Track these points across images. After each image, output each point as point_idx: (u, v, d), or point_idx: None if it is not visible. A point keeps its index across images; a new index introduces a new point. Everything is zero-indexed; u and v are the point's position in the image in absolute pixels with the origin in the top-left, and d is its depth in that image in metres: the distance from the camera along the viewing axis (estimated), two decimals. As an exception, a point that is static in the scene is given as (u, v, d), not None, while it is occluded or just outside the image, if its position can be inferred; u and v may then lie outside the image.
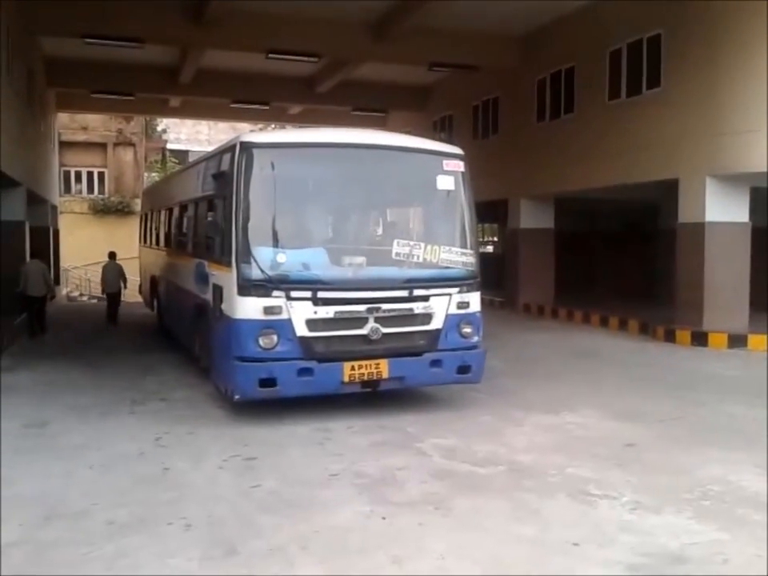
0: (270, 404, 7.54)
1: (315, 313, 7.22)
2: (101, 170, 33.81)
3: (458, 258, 7.93)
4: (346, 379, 7.36)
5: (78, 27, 15.42)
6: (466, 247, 8.03)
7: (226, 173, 7.60)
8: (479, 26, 16.90)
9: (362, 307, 7.38)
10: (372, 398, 7.95)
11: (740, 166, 12.53)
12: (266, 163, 7.32)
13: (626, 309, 16.44)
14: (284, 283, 7.11)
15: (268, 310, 7.08)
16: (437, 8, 14.94)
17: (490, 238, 27.01)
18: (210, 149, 12.05)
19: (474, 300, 8.01)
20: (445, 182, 8.09)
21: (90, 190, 33.62)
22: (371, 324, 7.41)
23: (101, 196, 33.17)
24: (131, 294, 17.68)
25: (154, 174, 35.87)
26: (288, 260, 7.22)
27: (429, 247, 7.75)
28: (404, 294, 7.61)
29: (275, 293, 7.09)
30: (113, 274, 16.04)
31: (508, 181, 19.00)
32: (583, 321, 16.53)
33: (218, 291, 7.81)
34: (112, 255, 16.39)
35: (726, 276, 13.08)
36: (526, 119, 18.68)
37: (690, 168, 13.31)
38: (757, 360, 11.51)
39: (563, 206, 18.95)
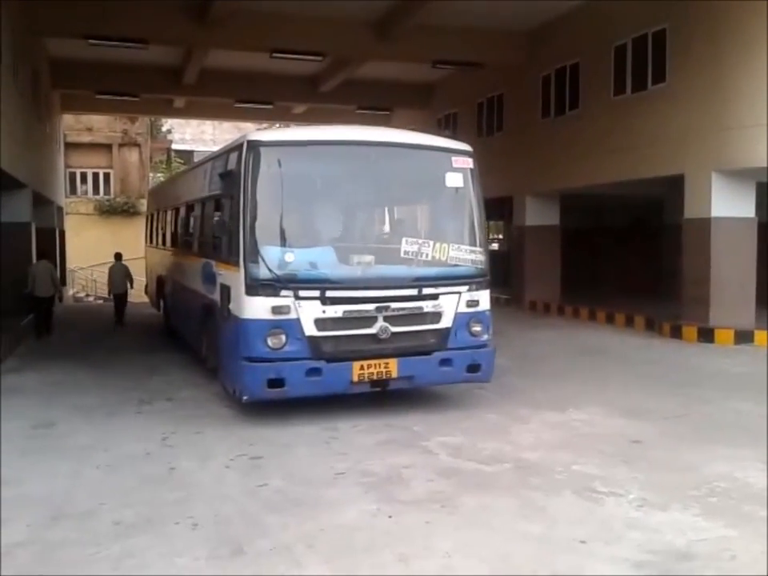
0: (277, 403, 7.53)
1: (324, 312, 7.17)
2: (106, 170, 33.89)
3: (468, 255, 7.86)
4: (355, 379, 7.31)
5: (81, 28, 15.46)
6: (475, 245, 7.96)
7: (233, 172, 7.57)
8: (483, 22, 16.88)
9: (371, 306, 7.33)
10: (378, 396, 7.93)
11: (746, 160, 12.48)
12: (274, 162, 7.27)
13: (631, 305, 16.41)
14: (292, 282, 7.07)
15: (276, 310, 7.04)
16: (440, 5, 14.92)
17: (496, 236, 26.97)
18: (214, 149, 12.06)
19: (484, 298, 7.96)
20: (454, 179, 8.01)
21: (96, 190, 33.70)
22: (380, 323, 7.36)
23: (106, 197, 33.24)
24: (137, 295, 17.73)
25: (159, 175, 35.92)
26: (296, 259, 7.18)
27: (438, 245, 7.68)
28: (413, 292, 7.56)
29: (283, 292, 7.04)
30: (119, 274, 16.10)
31: (513, 178, 18.97)
32: (589, 318, 16.51)
33: (226, 291, 7.77)
34: (118, 256, 16.46)
35: (732, 272, 13.04)
36: (530, 116, 18.64)
37: (696, 163, 13.26)
38: (763, 356, 11.45)
39: (568, 203, 18.92)
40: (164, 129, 40.09)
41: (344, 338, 7.33)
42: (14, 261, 14.47)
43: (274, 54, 17.09)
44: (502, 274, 18.75)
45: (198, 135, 42.13)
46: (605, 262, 22.16)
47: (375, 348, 7.38)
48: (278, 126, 32.06)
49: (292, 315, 7.07)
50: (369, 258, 7.61)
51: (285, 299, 7.05)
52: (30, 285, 13.54)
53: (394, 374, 7.46)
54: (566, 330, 15.04)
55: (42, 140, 19.37)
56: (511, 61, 18.68)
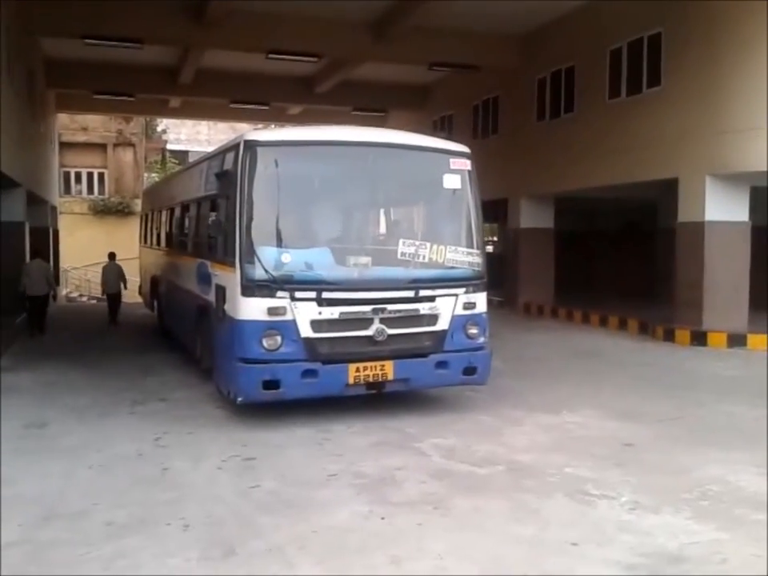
0: (270, 405, 7.51)
1: (320, 314, 7.15)
2: (101, 170, 33.83)
3: (465, 257, 7.84)
4: (351, 381, 7.28)
5: (77, 28, 15.44)
6: (472, 247, 7.93)
7: (230, 172, 7.53)
8: (479, 25, 16.90)
9: (368, 308, 7.31)
10: (372, 398, 7.92)
11: (740, 165, 12.53)
12: (270, 162, 7.22)
13: (625, 308, 16.44)
14: (288, 284, 7.03)
15: (272, 311, 7.00)
16: (436, 8, 14.94)
17: (490, 238, 27.01)
18: (209, 149, 12.03)
19: (481, 300, 7.93)
20: (451, 181, 7.98)
21: (90, 190, 33.64)
22: (376, 325, 7.33)
23: (101, 196, 33.19)
24: (131, 295, 17.69)
25: (153, 175, 35.88)
26: (292, 260, 7.13)
27: (435, 247, 7.65)
28: (410, 294, 7.53)
29: (279, 293, 7.01)
30: (113, 274, 16.06)
31: (508, 180, 19.00)
32: (583, 320, 16.54)
33: (221, 292, 7.74)
34: (112, 256, 16.41)
35: (725, 275, 13.07)
36: (526, 118, 18.68)
37: (690, 167, 13.30)
38: (756, 359, 11.51)
39: (563, 206, 18.96)
40: (159, 129, 40.00)
41: (340, 339, 7.29)
42: (8, 260, 14.42)
43: (270, 55, 17.08)
44: (496, 276, 18.78)
45: (194, 135, 42.06)
46: (599, 264, 22.21)
47: (371, 350, 7.36)
48: (273, 126, 32.07)
49: (288, 316, 7.05)
50: (365, 259, 7.58)
51: (281, 300, 7.02)
52: (24, 283, 13.50)
53: (390, 377, 7.43)
54: (559, 332, 15.06)
55: (37, 139, 19.32)
56: (507, 63, 18.72)
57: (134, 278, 17.28)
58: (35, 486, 5.60)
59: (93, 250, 26.50)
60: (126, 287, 16.35)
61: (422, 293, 7.57)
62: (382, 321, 7.35)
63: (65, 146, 31.01)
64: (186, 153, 39.14)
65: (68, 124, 31.63)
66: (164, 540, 4.60)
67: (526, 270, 18.86)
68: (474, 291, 7.86)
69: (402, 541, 4.59)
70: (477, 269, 7.92)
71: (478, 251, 7.96)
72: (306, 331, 7.11)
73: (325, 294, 7.15)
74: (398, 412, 7.90)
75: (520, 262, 18.96)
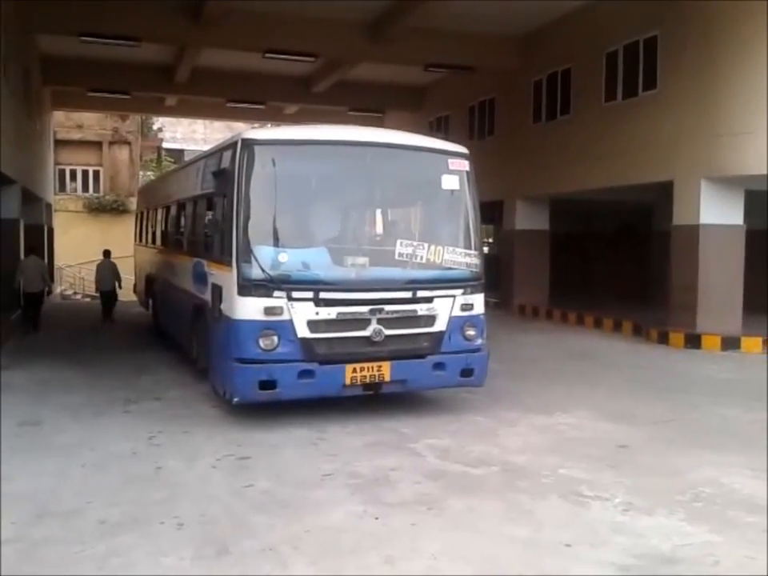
0: (265, 404, 7.49)
1: (317, 314, 7.11)
2: (96, 168, 33.74)
3: (462, 258, 7.80)
4: (348, 382, 7.25)
5: (74, 25, 15.41)
6: (470, 248, 7.90)
7: (227, 170, 7.48)
8: (476, 26, 16.92)
9: (365, 308, 7.27)
10: (367, 398, 7.90)
11: (735, 168, 12.57)
12: (268, 161, 7.18)
13: (620, 310, 16.47)
14: (285, 283, 6.98)
15: (269, 311, 6.97)
16: (433, 9, 14.95)
17: (486, 239, 27.01)
18: (205, 148, 12.01)
19: (478, 302, 7.90)
20: (449, 182, 7.96)
21: (85, 188, 33.55)
22: (374, 326, 7.29)
23: (96, 194, 33.10)
24: (125, 293, 17.65)
25: (149, 173, 35.80)
26: (289, 260, 7.09)
27: (432, 248, 7.62)
28: (407, 295, 7.49)
29: (276, 293, 6.97)
30: (107, 272, 16.03)
31: (504, 182, 19.02)
32: (577, 322, 16.56)
33: (218, 291, 7.69)
34: (107, 253, 16.38)
35: (719, 278, 13.11)
36: (522, 120, 18.71)
37: (686, 170, 13.34)
38: (750, 362, 11.56)
39: (558, 208, 19.00)
40: (155, 127, 39.96)
41: (337, 340, 7.26)
42: (2, 257, 14.39)
43: (267, 54, 17.07)
44: (491, 277, 18.79)
45: (189, 134, 42.04)
46: (594, 267, 22.25)
47: (368, 351, 7.32)
48: (269, 125, 32.05)
49: (285, 316, 7.01)
50: (363, 259, 7.55)
51: (277, 300, 6.98)
52: (19, 280, 13.47)
53: (387, 378, 7.40)
54: (554, 334, 15.08)
55: (32, 136, 19.28)
56: (503, 65, 18.75)
57: (128, 277, 17.23)
58: (29, 484, 5.58)
59: (87, 248, 26.41)
60: (120, 286, 16.32)
61: (420, 294, 7.53)
62: (379, 321, 7.32)
63: (60, 143, 30.92)
64: (181, 151, 39.05)
65: (63, 121, 31.55)
66: (158, 539, 4.59)
67: (522, 272, 18.88)
68: (472, 292, 7.83)
69: (396, 541, 4.60)
70: (475, 270, 7.88)
71: (475, 252, 7.92)
72: (302, 331, 7.07)
73: (322, 294, 7.11)
74: (393, 412, 7.90)
75: (515, 263, 18.98)
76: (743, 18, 12.29)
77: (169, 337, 11.96)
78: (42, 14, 15.01)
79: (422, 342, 7.62)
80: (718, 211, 13.13)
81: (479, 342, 7.91)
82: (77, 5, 14.69)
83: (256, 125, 33.33)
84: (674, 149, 13.57)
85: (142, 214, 15.84)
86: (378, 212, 8.76)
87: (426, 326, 7.60)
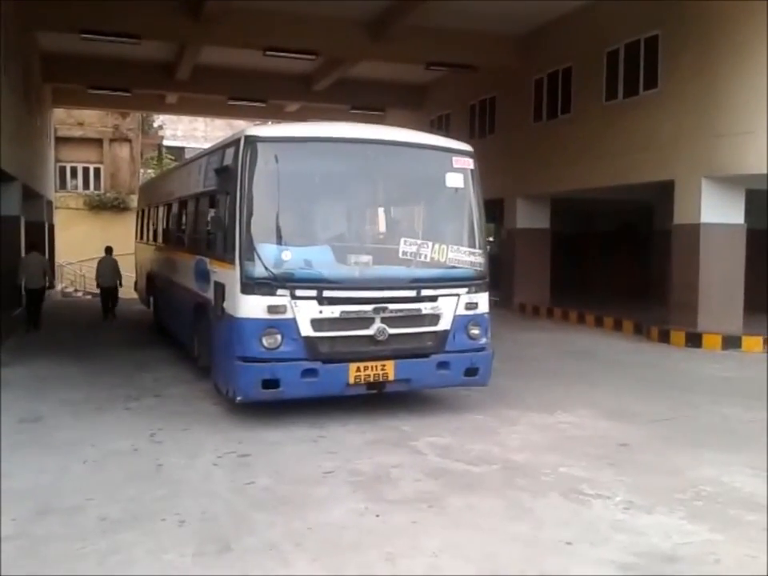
0: (267, 402, 7.47)
1: (320, 312, 7.06)
2: (96, 165, 33.75)
3: (467, 257, 7.76)
4: (352, 381, 7.21)
5: (74, 22, 15.38)
6: (474, 246, 7.86)
7: (230, 167, 7.45)
8: (477, 25, 16.91)
9: (369, 307, 7.23)
10: (368, 396, 7.87)
11: (736, 167, 12.56)
12: (271, 158, 7.14)
13: (620, 309, 16.47)
14: (289, 281, 6.94)
15: (272, 309, 6.92)
16: (434, 7, 14.94)
17: (487, 238, 27.08)
18: (206, 146, 12.00)
19: (483, 301, 7.86)
20: (454, 180, 7.91)
21: (86, 185, 33.55)
22: (378, 324, 7.25)
23: (96, 192, 33.10)
24: (126, 291, 17.65)
25: (149, 171, 35.80)
26: (293, 258, 7.05)
27: (437, 246, 7.57)
28: (411, 293, 7.45)
29: (279, 291, 6.92)
30: (108, 268, 16.06)
31: (504, 180, 18.99)
32: (578, 321, 16.56)
33: (220, 289, 7.65)
34: (108, 250, 16.41)
35: (720, 277, 13.12)
36: (523, 119, 18.69)
37: (686, 169, 13.34)
38: (751, 361, 11.56)
39: (559, 207, 18.99)
40: (155, 125, 39.94)
41: (341, 338, 7.22)
42: (3, 255, 14.39)
43: (268, 52, 17.04)
44: (491, 275, 18.79)
45: (190, 132, 42.03)
46: (594, 266, 22.25)
47: (372, 350, 7.28)
48: (270, 123, 32.04)
49: (288, 315, 6.97)
50: (367, 257, 7.49)
51: (281, 298, 6.94)
52: (21, 277, 13.47)
53: (391, 377, 7.36)
54: (555, 332, 15.09)
55: (33, 133, 19.26)
56: (504, 64, 18.73)
57: (129, 274, 17.24)
58: (30, 481, 5.59)
59: (88, 246, 26.46)
60: (121, 284, 16.34)
61: (424, 292, 7.49)
62: (383, 320, 7.27)
63: (61, 140, 30.92)
64: (182, 149, 39.08)
65: (64, 119, 31.55)
66: (159, 535, 4.59)
67: (522, 271, 18.88)
68: (477, 291, 7.79)
69: (396, 538, 4.60)
70: (479, 269, 7.84)
71: (480, 251, 7.88)
72: (306, 330, 7.03)
73: (325, 293, 7.07)
74: (394, 410, 7.90)
75: (516, 262, 18.97)
76: (744, 18, 12.28)
77: (170, 334, 11.96)
78: (43, 10, 14.99)
79: (426, 340, 7.58)
80: (718, 210, 13.13)
81: (484, 340, 7.86)
82: (77, 2, 14.67)
83: (257, 123, 33.35)
84: (674, 148, 13.57)
85: (143, 211, 15.82)
86: (382, 210, 8.72)
87: (430, 325, 7.56)
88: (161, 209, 12.90)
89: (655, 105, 14.10)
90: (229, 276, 7.29)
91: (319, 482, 5.67)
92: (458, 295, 7.64)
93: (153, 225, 13.92)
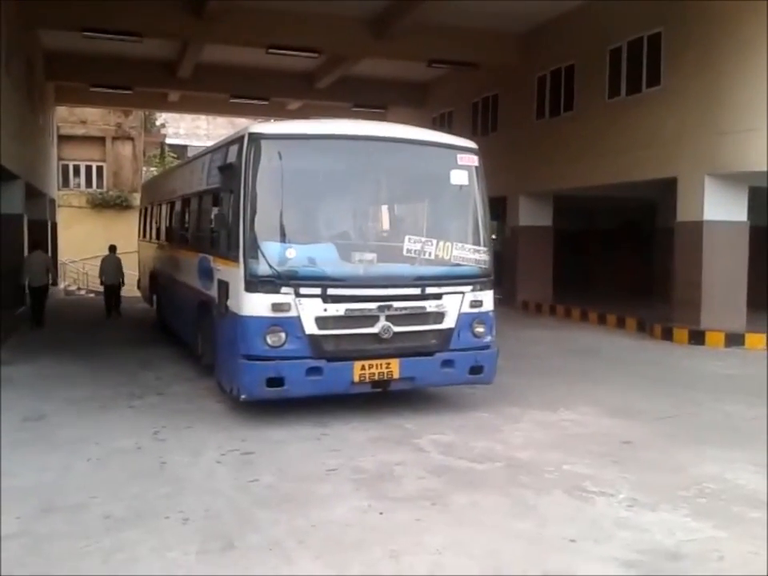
0: (271, 400, 7.47)
1: (325, 310, 7.03)
2: (99, 163, 33.75)
3: (472, 255, 7.72)
4: (356, 379, 7.18)
5: (77, 20, 15.41)
6: (479, 244, 7.81)
7: (234, 165, 7.40)
8: (479, 23, 16.90)
9: (373, 305, 7.19)
10: (371, 394, 7.84)
11: (739, 164, 12.54)
12: (275, 155, 7.11)
13: (623, 307, 16.47)
14: (293, 279, 6.91)
15: (276, 307, 6.89)
16: (437, 5, 14.92)
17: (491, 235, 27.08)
18: (208, 144, 11.99)
19: (488, 299, 7.82)
20: (459, 177, 7.88)
21: (89, 183, 33.56)
22: (382, 322, 7.21)
23: (99, 190, 33.10)
24: (129, 289, 17.68)
25: (152, 169, 35.80)
26: (297, 255, 7.02)
27: (441, 244, 7.54)
28: (416, 291, 7.41)
29: (284, 289, 6.89)
30: (112, 266, 16.12)
31: (507, 178, 18.96)
32: (581, 318, 16.56)
33: (224, 287, 7.62)
34: (112, 248, 16.46)
35: (723, 275, 13.10)
36: (525, 116, 18.68)
37: (689, 167, 13.32)
38: (754, 359, 11.54)
39: (562, 204, 18.97)
40: (158, 123, 39.90)
41: (345, 336, 7.19)
42: (6, 253, 14.41)
43: (270, 50, 17.06)
44: (494, 273, 18.79)
45: (192, 130, 42.00)
46: (597, 263, 22.23)
47: (377, 348, 7.25)
48: (272, 121, 32.01)
49: (292, 313, 6.94)
50: (371, 255, 7.46)
51: (285, 296, 6.91)
52: (25, 275, 13.50)
53: (396, 375, 7.33)
54: (557, 330, 15.08)
55: (36, 132, 19.28)
56: (507, 61, 18.72)
57: (132, 272, 17.26)
58: (33, 479, 5.59)
59: (91, 244, 26.47)
60: (123, 283, 16.37)
61: (429, 290, 7.46)
62: (387, 318, 7.24)
63: (63, 138, 30.94)
64: (184, 147, 39.10)
65: (67, 117, 31.54)
66: (162, 533, 4.60)
67: (525, 268, 18.87)
68: (481, 289, 7.75)
69: (400, 536, 4.60)
70: (484, 266, 7.81)
71: (485, 248, 7.84)
72: (310, 328, 7.00)
73: (330, 291, 7.04)
74: (397, 408, 7.89)
75: (518, 259, 18.96)
76: (746, 16, 12.25)
77: (173, 332, 11.97)
78: (45, 9, 15.02)
79: (431, 338, 7.54)
80: (721, 208, 13.12)
81: (488, 339, 7.83)
82: (79, 0, 14.69)
83: (259, 120, 33.34)
84: (677, 145, 13.55)
85: (146, 209, 15.81)
86: (386, 207, 8.69)
87: (434, 323, 7.52)
88: (164, 207, 12.89)
89: (658, 102, 14.08)
90: (233, 274, 7.27)
91: (322, 479, 5.67)
92: (462, 293, 7.61)
93: (156, 223, 13.91)
